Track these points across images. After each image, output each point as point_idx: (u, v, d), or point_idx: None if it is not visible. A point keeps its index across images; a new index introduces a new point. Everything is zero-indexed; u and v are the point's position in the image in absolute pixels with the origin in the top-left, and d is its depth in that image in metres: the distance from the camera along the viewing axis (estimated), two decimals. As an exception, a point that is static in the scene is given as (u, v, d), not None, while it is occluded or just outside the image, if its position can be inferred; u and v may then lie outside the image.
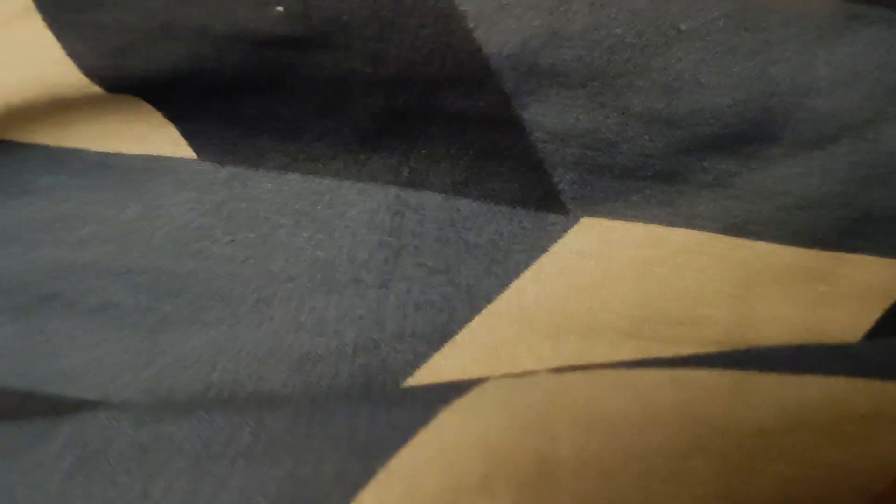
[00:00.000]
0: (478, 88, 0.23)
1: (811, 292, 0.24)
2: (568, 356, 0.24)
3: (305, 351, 0.24)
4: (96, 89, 0.23)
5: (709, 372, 0.20)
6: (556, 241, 0.25)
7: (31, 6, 0.22)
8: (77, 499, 0.20)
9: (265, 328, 0.24)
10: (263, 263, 0.25)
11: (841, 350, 0.22)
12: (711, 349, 0.24)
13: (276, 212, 0.25)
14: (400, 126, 0.24)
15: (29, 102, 0.23)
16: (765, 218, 0.24)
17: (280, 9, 0.22)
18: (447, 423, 0.20)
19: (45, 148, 0.25)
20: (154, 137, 0.25)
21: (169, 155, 0.25)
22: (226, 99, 0.24)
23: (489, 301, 0.24)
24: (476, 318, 0.24)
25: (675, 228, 0.24)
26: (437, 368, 0.24)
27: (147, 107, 0.24)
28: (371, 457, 0.19)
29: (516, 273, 0.25)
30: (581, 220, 0.24)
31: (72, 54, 0.22)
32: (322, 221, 0.25)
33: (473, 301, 0.24)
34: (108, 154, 0.25)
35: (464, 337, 0.24)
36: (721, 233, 0.24)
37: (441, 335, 0.24)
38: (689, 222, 0.24)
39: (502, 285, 0.25)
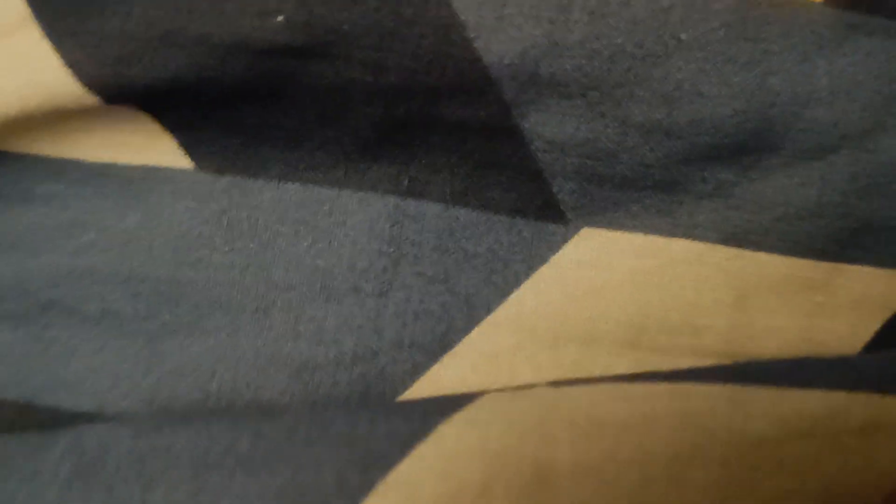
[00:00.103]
0: (478, 98, 0.23)
1: (810, 303, 0.24)
2: (567, 366, 0.24)
3: (304, 359, 0.24)
4: (94, 99, 0.23)
5: (707, 385, 0.20)
6: (555, 251, 0.25)
7: (30, 16, 0.22)
8: None
9: (264, 337, 0.24)
10: (263, 272, 0.25)
11: (840, 363, 0.22)
12: (710, 359, 0.24)
13: (275, 221, 0.25)
14: (400, 135, 0.24)
15: (27, 112, 0.23)
16: (764, 228, 0.24)
17: (281, 18, 0.22)
18: (446, 436, 0.20)
19: (44, 158, 0.25)
20: (152, 148, 0.25)
21: (167, 165, 0.25)
22: (226, 108, 0.24)
23: (488, 311, 0.24)
24: (475, 327, 0.24)
25: (675, 239, 0.24)
26: (436, 378, 0.24)
27: (145, 117, 0.24)
28: (371, 468, 0.19)
29: (516, 283, 0.25)
30: (581, 230, 0.24)
31: (70, 64, 0.22)
32: (322, 230, 0.25)
33: (472, 311, 0.24)
34: (106, 164, 0.25)
35: (463, 347, 0.24)
36: (720, 243, 0.24)
37: (440, 345, 0.24)
38: (689, 232, 0.24)
39: (501, 295, 0.25)
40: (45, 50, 0.23)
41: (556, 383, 0.21)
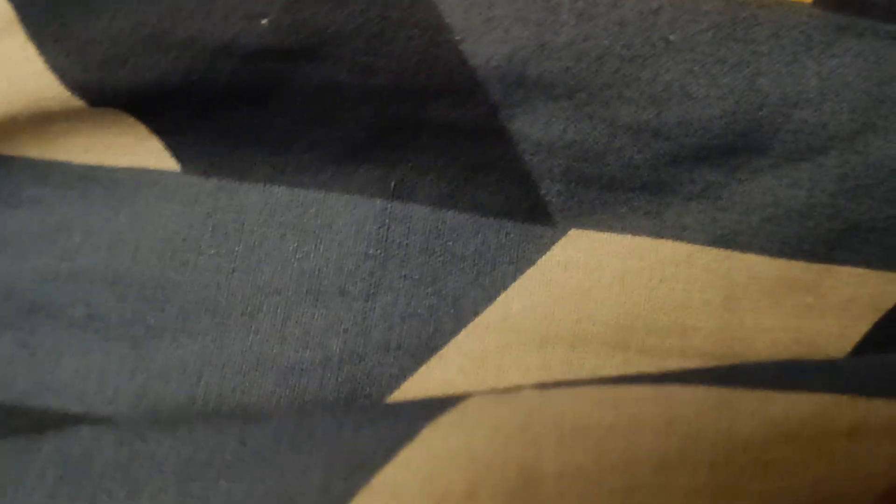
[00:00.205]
0: (465, 100, 0.23)
1: (799, 304, 0.24)
2: (555, 368, 0.24)
3: (291, 363, 0.24)
4: (79, 103, 0.23)
5: (694, 388, 0.20)
6: (543, 253, 0.24)
7: (14, 19, 0.22)
8: None
9: (251, 340, 0.24)
10: (250, 275, 0.25)
11: (827, 366, 0.22)
12: (699, 361, 0.24)
13: (262, 223, 0.25)
14: (387, 138, 0.24)
15: (11, 115, 0.23)
16: (753, 229, 0.24)
17: (266, 21, 0.22)
18: (431, 439, 0.20)
19: (29, 160, 0.25)
20: (139, 150, 0.25)
21: (153, 167, 0.25)
22: (213, 111, 0.24)
23: (476, 313, 0.24)
24: (462, 330, 0.24)
25: (663, 240, 0.24)
26: (424, 381, 0.24)
27: (131, 119, 0.24)
28: (355, 472, 0.19)
29: (503, 285, 0.25)
30: (568, 231, 0.24)
31: (54, 67, 0.22)
32: (309, 233, 0.25)
33: (460, 313, 0.24)
34: (92, 167, 0.25)
35: (450, 349, 0.24)
36: (708, 244, 0.24)
37: (427, 347, 0.24)
38: (677, 234, 0.24)
39: (489, 297, 0.24)
40: (29, 53, 0.22)
41: (542, 386, 0.21)
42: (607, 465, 0.19)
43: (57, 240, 0.25)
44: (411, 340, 0.24)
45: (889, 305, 0.24)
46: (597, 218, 0.24)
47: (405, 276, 0.25)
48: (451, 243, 0.25)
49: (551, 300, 0.24)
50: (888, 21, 0.23)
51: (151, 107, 0.24)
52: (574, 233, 0.24)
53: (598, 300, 0.24)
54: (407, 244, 0.25)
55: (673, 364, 0.24)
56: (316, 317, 0.24)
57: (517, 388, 0.21)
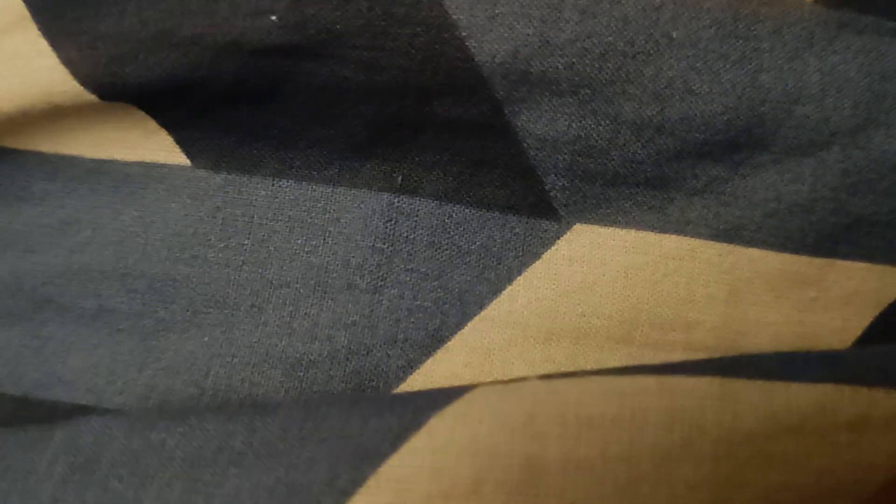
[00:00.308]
0: (470, 96, 0.23)
1: (801, 298, 0.24)
2: (559, 361, 0.24)
3: (299, 356, 0.24)
4: (90, 97, 0.23)
5: (697, 379, 0.20)
6: (548, 248, 0.25)
7: (27, 15, 0.23)
8: None
9: (259, 333, 0.25)
10: (258, 269, 0.25)
11: (829, 357, 0.22)
12: (702, 355, 0.24)
13: (270, 218, 0.25)
14: (393, 133, 0.24)
15: (23, 110, 0.23)
16: (756, 224, 0.24)
17: (273, 18, 0.22)
18: (437, 430, 0.20)
19: (40, 155, 0.25)
20: (148, 144, 0.25)
21: (163, 162, 0.25)
22: (221, 106, 0.24)
23: (481, 307, 0.25)
24: (468, 323, 0.25)
25: (666, 234, 0.24)
26: (430, 374, 0.24)
27: (141, 114, 0.24)
28: (362, 463, 0.19)
29: (508, 279, 0.25)
30: (573, 226, 0.25)
31: (66, 62, 0.23)
32: (316, 227, 0.25)
33: (465, 307, 0.25)
34: (102, 161, 0.25)
35: (456, 342, 0.24)
36: (712, 239, 0.24)
37: (433, 340, 0.24)
38: (680, 228, 0.24)
39: (494, 291, 0.25)
40: (42, 48, 0.23)
41: (547, 377, 0.21)
42: (611, 458, 0.19)
43: (66, 235, 0.25)
44: (417, 333, 0.24)
45: (891, 299, 0.24)
46: (601, 213, 0.24)
47: (411, 270, 0.25)
48: (456, 238, 0.25)
49: (556, 294, 0.24)
50: (889, 18, 0.23)
51: (161, 102, 0.24)
52: (578, 227, 0.25)
53: (602, 294, 0.24)
54: (413, 238, 0.25)
55: (677, 358, 0.24)
56: (323, 310, 0.25)
57: (522, 379, 0.21)
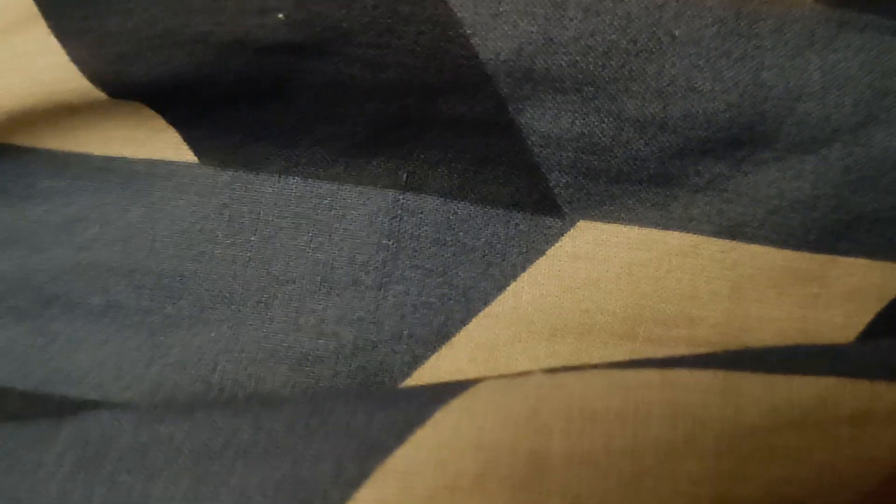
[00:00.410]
0: (474, 94, 0.23)
1: (804, 294, 0.24)
2: (563, 357, 0.24)
3: (305, 352, 0.24)
4: (99, 94, 0.23)
5: (700, 372, 0.20)
6: (552, 244, 0.25)
7: (37, 13, 0.23)
8: (78, 499, 0.20)
9: (266, 329, 0.25)
10: (264, 265, 0.25)
11: (831, 350, 0.22)
12: (705, 350, 0.24)
13: (276, 215, 0.25)
14: (398, 131, 0.25)
15: (33, 107, 0.24)
16: (758, 221, 0.24)
17: (281, 16, 0.22)
18: (443, 423, 0.20)
19: (49, 152, 0.25)
20: (156, 142, 0.25)
21: (171, 159, 0.25)
22: (227, 104, 0.24)
23: (486, 303, 0.25)
24: (473, 319, 0.25)
25: (670, 231, 0.24)
26: (435, 369, 0.24)
27: (149, 111, 0.24)
28: (368, 456, 0.19)
29: (513, 275, 0.25)
30: (577, 223, 0.25)
31: (75, 60, 0.23)
32: (322, 224, 0.25)
33: (470, 303, 0.25)
34: (110, 158, 0.25)
35: (461, 338, 0.25)
36: (715, 235, 0.24)
37: (438, 336, 0.25)
38: (684, 225, 0.24)
39: (499, 287, 0.25)
40: (52, 45, 0.23)
41: (552, 371, 0.21)
42: (615, 452, 0.20)
43: (74, 232, 0.25)
44: (423, 329, 0.25)
45: (893, 295, 0.24)
46: (605, 209, 0.25)
47: (417, 266, 0.25)
48: (461, 234, 0.25)
49: (560, 290, 0.25)
50: (889, 16, 0.23)
51: (168, 99, 0.24)
52: (582, 224, 0.25)
53: (606, 291, 0.24)
54: (418, 235, 0.25)
55: (680, 354, 0.24)
56: (329, 306, 0.25)
57: (527, 374, 0.21)
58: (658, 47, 0.23)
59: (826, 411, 0.20)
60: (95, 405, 0.24)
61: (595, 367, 0.21)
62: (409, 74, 0.23)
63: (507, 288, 0.25)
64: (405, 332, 0.25)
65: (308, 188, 0.25)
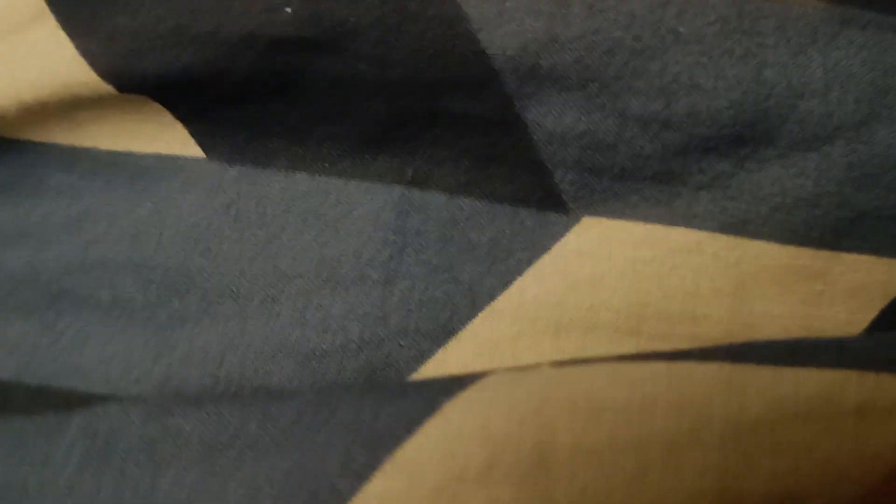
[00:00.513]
0: (480, 90, 0.24)
1: (808, 291, 0.24)
2: (568, 353, 0.24)
3: (311, 347, 0.25)
4: (109, 88, 0.23)
5: (706, 365, 0.20)
6: (557, 240, 0.25)
7: (45, 8, 0.23)
8: (87, 491, 0.20)
9: (272, 324, 0.25)
10: (271, 261, 0.25)
11: (835, 343, 0.22)
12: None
13: (283, 210, 0.25)
14: (404, 128, 0.25)
15: (42, 102, 0.24)
16: (761, 218, 0.24)
17: (288, 10, 0.22)
18: (451, 415, 0.20)
19: (58, 147, 0.25)
20: (164, 137, 0.25)
21: (179, 154, 0.25)
22: (236, 100, 0.24)
23: (491, 298, 0.25)
24: (478, 315, 0.25)
25: (674, 228, 0.24)
26: (441, 364, 0.24)
27: (157, 107, 0.25)
28: (377, 448, 0.20)
29: (518, 271, 0.25)
30: (581, 219, 0.25)
31: (85, 54, 0.23)
32: (328, 220, 0.25)
33: (476, 298, 0.25)
34: (119, 153, 0.25)
35: (466, 334, 0.25)
36: (718, 232, 0.24)
37: (444, 332, 0.25)
38: (687, 222, 0.24)
39: (504, 283, 0.25)
40: (61, 40, 0.23)
41: (559, 363, 0.21)
42: (620, 445, 0.20)
43: (82, 228, 0.25)
44: (428, 325, 0.25)
45: None
46: (609, 206, 0.25)
47: (423, 262, 0.25)
48: (467, 230, 0.25)
49: (565, 287, 0.25)
50: (891, 14, 0.23)
51: (177, 95, 0.24)
52: (587, 220, 0.25)
53: (610, 287, 0.25)
54: (424, 231, 0.25)
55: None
56: (335, 302, 0.25)
57: (535, 366, 0.21)
58: (661, 45, 0.23)
59: (830, 405, 0.20)
60: (103, 399, 0.24)
61: (601, 360, 0.21)
62: (416, 71, 0.23)
63: (513, 284, 0.25)
64: (411, 328, 0.25)
65: (315, 184, 0.25)
